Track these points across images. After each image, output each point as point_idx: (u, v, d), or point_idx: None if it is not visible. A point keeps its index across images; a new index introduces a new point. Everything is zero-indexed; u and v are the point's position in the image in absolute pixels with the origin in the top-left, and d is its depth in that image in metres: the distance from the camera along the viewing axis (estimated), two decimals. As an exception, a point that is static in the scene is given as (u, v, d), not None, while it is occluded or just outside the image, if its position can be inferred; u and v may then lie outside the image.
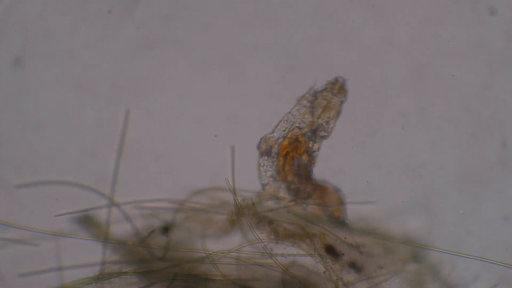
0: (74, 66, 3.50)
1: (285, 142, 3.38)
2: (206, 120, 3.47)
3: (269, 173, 3.40)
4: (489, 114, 3.48)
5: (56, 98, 3.50)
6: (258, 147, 3.40)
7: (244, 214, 3.38)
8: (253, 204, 3.39)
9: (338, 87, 3.41)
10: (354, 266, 3.37)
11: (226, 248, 3.39)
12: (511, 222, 3.45)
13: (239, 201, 3.38)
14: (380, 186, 3.43)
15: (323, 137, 3.41)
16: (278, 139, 3.39)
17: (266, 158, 3.40)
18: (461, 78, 3.48)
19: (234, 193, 3.38)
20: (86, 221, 3.42)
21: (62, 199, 3.43)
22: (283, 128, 3.40)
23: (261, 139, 3.41)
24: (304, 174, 3.39)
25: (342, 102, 3.41)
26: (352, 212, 3.43)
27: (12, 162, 3.48)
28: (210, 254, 3.37)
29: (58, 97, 3.50)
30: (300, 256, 3.39)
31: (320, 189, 3.42)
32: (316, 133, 3.39)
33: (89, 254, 3.40)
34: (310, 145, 3.40)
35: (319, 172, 3.44)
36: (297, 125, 3.39)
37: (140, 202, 3.40)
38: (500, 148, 3.46)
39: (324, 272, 3.37)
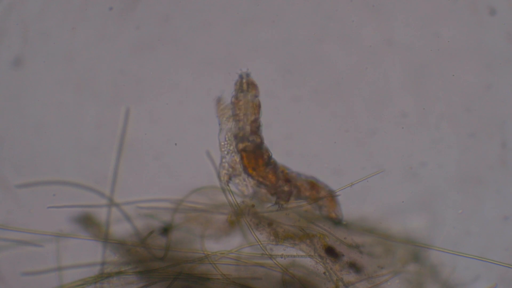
0: (74, 66, 3.51)
1: (245, 161, 3.38)
2: (206, 120, 3.47)
3: (249, 188, 3.41)
4: (489, 114, 3.48)
5: (56, 98, 3.50)
6: (221, 180, 3.41)
7: (243, 215, 3.38)
8: (253, 205, 3.39)
9: (245, 84, 3.40)
10: (354, 267, 3.37)
11: (226, 248, 3.39)
12: (511, 222, 3.45)
13: (239, 202, 3.39)
14: (380, 186, 3.43)
15: (259, 130, 3.41)
16: (231, 161, 3.38)
17: (240, 181, 3.40)
18: (461, 78, 3.48)
19: (233, 194, 3.38)
20: (86, 221, 3.42)
21: (62, 199, 3.43)
22: (227, 151, 3.40)
23: (218, 175, 3.41)
24: (280, 173, 3.40)
25: (256, 96, 3.40)
26: (353, 212, 3.43)
27: (12, 162, 3.48)
28: (209, 254, 3.37)
29: (58, 97, 3.50)
30: (300, 257, 3.38)
31: (309, 184, 3.42)
32: (258, 130, 3.39)
33: (89, 254, 3.40)
34: (263, 145, 3.40)
35: (318, 172, 3.44)
36: (240, 136, 3.39)
37: (140, 202, 3.40)
38: (500, 148, 3.46)
39: (324, 273, 3.37)
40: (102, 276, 3.37)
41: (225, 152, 3.38)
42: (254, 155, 3.35)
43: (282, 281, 3.37)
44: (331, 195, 3.42)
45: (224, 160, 3.38)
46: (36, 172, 3.46)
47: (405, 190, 3.44)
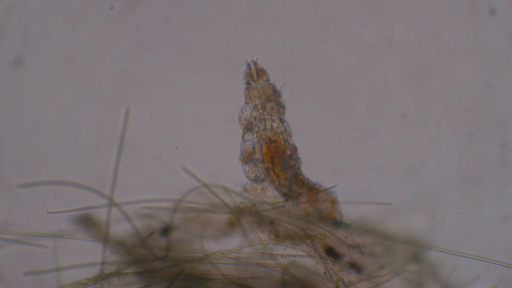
0: (74, 66, 3.51)
1: (264, 149, 3.37)
2: (206, 120, 3.47)
3: (255, 175, 3.40)
4: (489, 114, 3.48)
5: (56, 98, 3.50)
6: (241, 158, 3.40)
7: (244, 214, 3.38)
8: (254, 205, 3.39)
9: (254, 72, 3.39)
10: (355, 267, 3.37)
11: (226, 248, 3.39)
12: (511, 222, 3.45)
13: (238, 202, 3.39)
14: (380, 186, 3.43)
15: (282, 115, 3.39)
16: (254, 147, 3.38)
17: (251, 167, 3.39)
18: (461, 78, 3.48)
19: (231, 195, 3.38)
20: (86, 221, 3.42)
21: (62, 199, 3.43)
22: (252, 136, 3.39)
23: (241, 152, 3.40)
24: (294, 172, 3.39)
25: (268, 80, 3.39)
26: (353, 212, 3.43)
27: (12, 162, 3.48)
28: (209, 254, 3.37)
29: (58, 97, 3.50)
30: (300, 257, 3.38)
31: (313, 191, 3.42)
32: (281, 117, 3.39)
33: (89, 254, 3.40)
34: (285, 136, 3.38)
35: (317, 171, 3.44)
36: (261, 126, 3.38)
37: (140, 202, 3.40)
38: (500, 148, 3.47)
39: (325, 273, 3.37)
40: (102, 276, 3.37)
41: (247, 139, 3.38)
42: (275, 142, 3.35)
43: (282, 281, 3.37)
44: (332, 199, 3.42)
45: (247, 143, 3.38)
46: (36, 172, 3.46)
47: (405, 190, 3.44)
